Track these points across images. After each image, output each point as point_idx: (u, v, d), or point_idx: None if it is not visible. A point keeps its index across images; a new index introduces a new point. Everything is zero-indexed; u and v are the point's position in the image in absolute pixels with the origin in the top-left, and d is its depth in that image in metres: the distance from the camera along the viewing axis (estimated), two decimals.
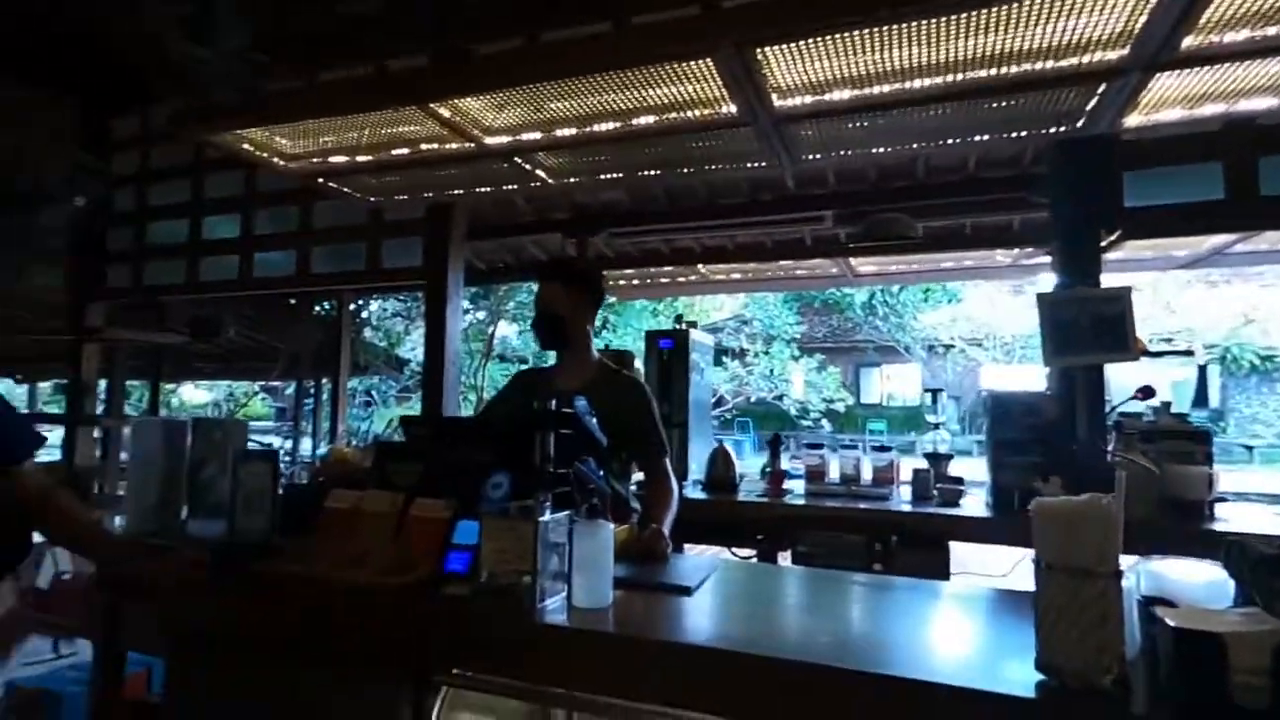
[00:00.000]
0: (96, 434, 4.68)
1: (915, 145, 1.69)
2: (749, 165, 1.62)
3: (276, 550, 1.59)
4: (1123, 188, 2.46)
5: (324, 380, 7.35)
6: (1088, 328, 2.49)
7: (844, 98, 1.40)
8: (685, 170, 1.68)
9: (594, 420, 1.69)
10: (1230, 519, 2.45)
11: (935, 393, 3.33)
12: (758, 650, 1.16)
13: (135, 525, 1.90)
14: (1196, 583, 1.04)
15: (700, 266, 3.55)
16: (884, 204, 3.44)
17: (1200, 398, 15.84)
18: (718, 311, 11.36)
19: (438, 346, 3.42)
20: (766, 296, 9.56)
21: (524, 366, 11.81)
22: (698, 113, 1.39)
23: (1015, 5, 1.21)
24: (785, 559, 2.93)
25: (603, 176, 1.76)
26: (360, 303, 8.91)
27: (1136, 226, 2.45)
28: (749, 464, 3.36)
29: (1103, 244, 2.54)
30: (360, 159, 1.74)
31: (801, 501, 2.91)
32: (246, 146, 1.74)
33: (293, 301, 6.58)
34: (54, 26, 3.63)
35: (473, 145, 1.58)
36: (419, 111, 1.45)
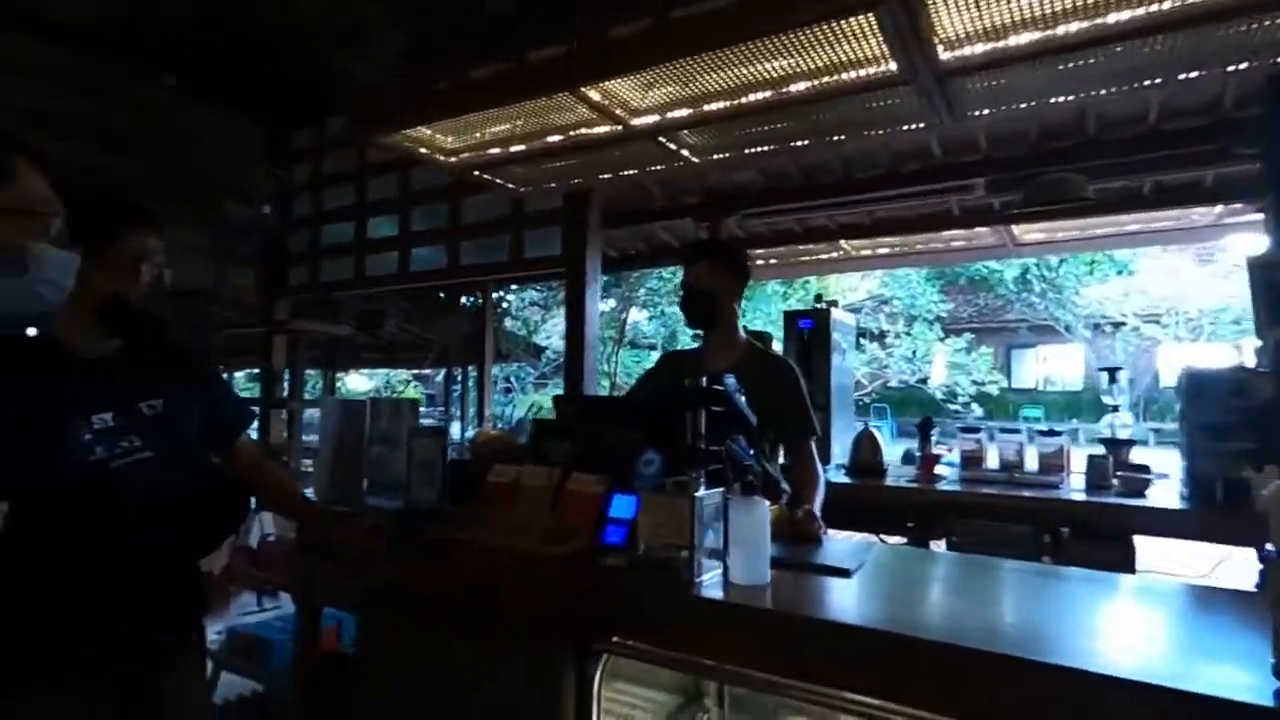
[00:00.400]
0: (283, 415, 5.27)
1: (1098, 92, 1.50)
2: (905, 128, 1.52)
3: (447, 519, 1.72)
4: None
5: (469, 368, 7.84)
6: None
7: (1023, 42, 1.26)
8: (836, 138, 1.60)
9: (743, 399, 1.68)
10: None
11: (1113, 371, 3.00)
12: (920, 633, 1.10)
13: (322, 495, 2.11)
14: None
15: (841, 242, 3.40)
16: (1045, 166, 3.13)
17: None
18: (853, 292, 10.86)
19: (578, 330, 3.53)
20: (909, 274, 8.97)
21: (655, 352, 11.99)
22: (853, 74, 1.32)
23: None
24: (938, 548, 2.78)
25: (749, 150, 1.73)
26: (501, 294, 9.39)
27: None
28: (888, 452, 3.21)
29: None
30: (513, 149, 1.82)
31: (957, 488, 2.74)
32: (410, 145, 1.87)
33: (442, 295, 7.06)
34: (244, 52, 4.09)
35: (620, 127, 1.60)
36: (570, 98, 1.49)
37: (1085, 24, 1.23)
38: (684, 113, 1.53)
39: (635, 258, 5.99)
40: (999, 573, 1.53)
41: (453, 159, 1.96)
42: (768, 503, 1.34)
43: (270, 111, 4.59)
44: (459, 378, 8.39)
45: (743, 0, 1.31)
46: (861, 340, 9.85)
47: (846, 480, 2.94)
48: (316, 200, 4.85)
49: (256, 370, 6.41)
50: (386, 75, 2.08)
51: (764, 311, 10.98)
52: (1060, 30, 1.24)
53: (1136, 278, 13.70)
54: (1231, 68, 1.42)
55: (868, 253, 3.75)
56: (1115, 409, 2.94)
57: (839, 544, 1.60)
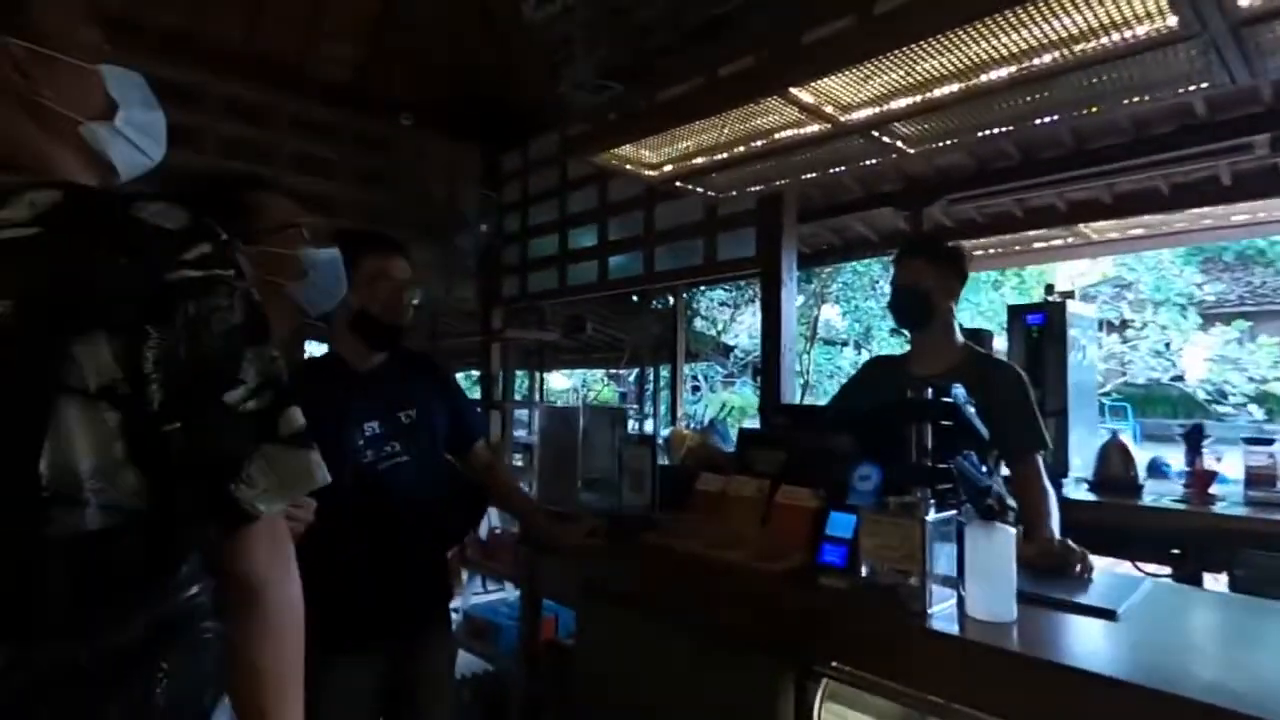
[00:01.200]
0: (498, 414, 5.78)
1: None
2: (1182, 91, 1.27)
3: (657, 524, 1.76)
4: None
5: (660, 367, 8.05)
6: None
7: None
8: (1090, 111, 1.39)
9: (973, 409, 1.53)
10: None
11: None
12: (1199, 694, 0.92)
13: (541, 495, 2.27)
14: None
15: (1080, 226, 2.96)
16: None
17: None
18: (1082, 277, 9.48)
19: (774, 331, 3.46)
20: (1157, 251, 7.56)
21: (849, 349, 11.47)
22: (1117, 36, 1.12)
23: None
24: (1216, 584, 2.34)
25: (982, 134, 1.55)
26: (690, 295, 9.52)
27: None
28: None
29: None
30: (717, 157, 1.82)
31: (1241, 511, 2.28)
32: (616, 163, 1.95)
33: (635, 299, 7.32)
34: (459, 83, 4.54)
35: (829, 125, 1.52)
36: (779, 101, 1.44)
37: None
38: (905, 102, 1.41)
39: (828, 252, 5.77)
40: (1260, 612, 1.25)
41: (654, 172, 2.01)
42: (1013, 530, 1.20)
43: (481, 137, 5.06)
44: (650, 377, 8.66)
45: None
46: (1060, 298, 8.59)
47: (1090, 497, 2.58)
48: (524, 216, 5.25)
49: (475, 373, 7.11)
50: (589, 96, 2.18)
51: (972, 303, 10.01)
52: None
53: None
54: None
55: (1114, 235, 3.22)
56: None
57: (1097, 578, 1.39)
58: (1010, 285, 11.22)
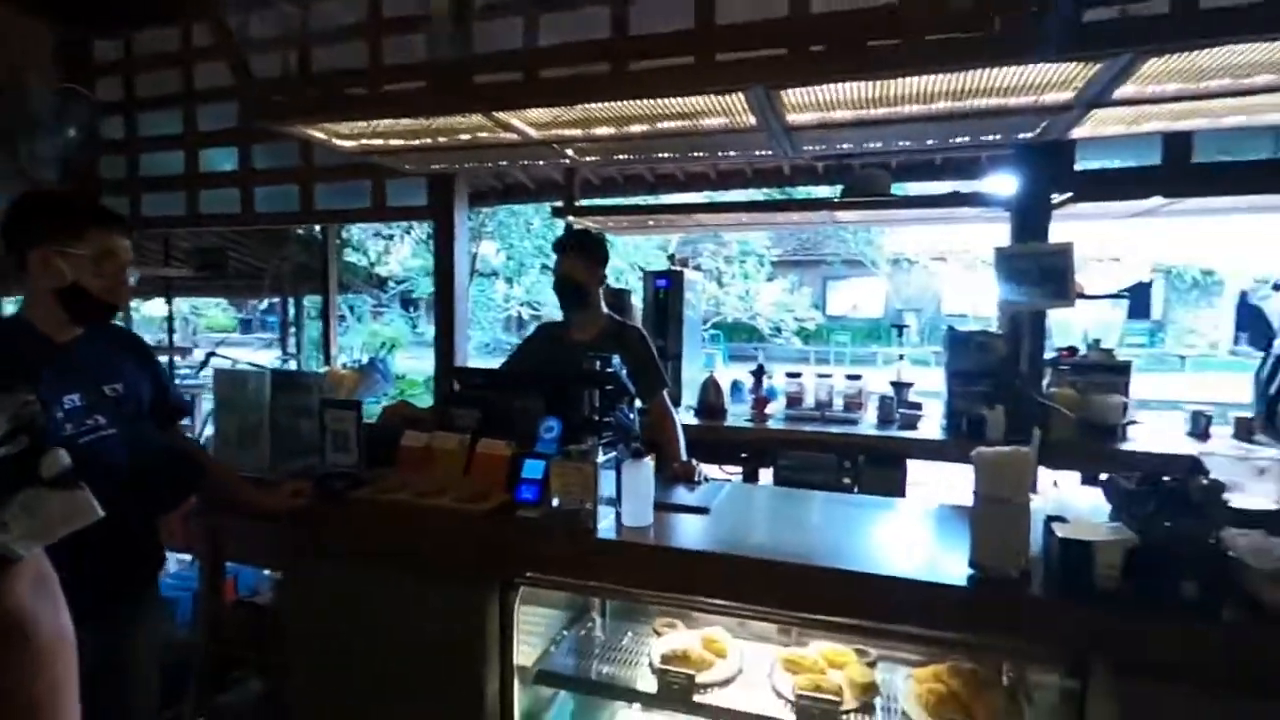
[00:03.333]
0: None
1: (901, 144, 1.96)
2: (756, 153, 1.89)
3: (367, 481, 1.94)
4: (1074, 155, 2.77)
5: (303, 298, 7.48)
6: (1035, 278, 2.86)
7: (845, 116, 1.66)
8: (698, 155, 1.95)
9: (625, 372, 2.03)
10: (1137, 439, 2.94)
11: (901, 329, 3.72)
12: (757, 554, 1.57)
13: (230, 463, 2.20)
14: (1083, 506, 1.45)
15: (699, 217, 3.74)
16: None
17: (1142, 309, 16.90)
18: (691, 234, 11.54)
19: (447, 283, 3.66)
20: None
21: (499, 281, 11.98)
22: (720, 120, 1.65)
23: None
24: (766, 475, 3.38)
25: (622, 157, 2.01)
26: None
27: (1086, 189, 2.78)
28: (720, 374, 3.73)
29: (1055, 202, 2.87)
30: (415, 143, 1.96)
31: (783, 426, 3.32)
32: (308, 136, 1.94)
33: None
34: None
35: (518, 137, 1.80)
36: (484, 119, 1.67)
37: (888, 110, 1.66)
38: (577, 132, 1.78)
39: (489, 194, 6.02)
40: (812, 503, 2.05)
41: (349, 143, 2.04)
42: (652, 461, 1.72)
43: (58, 13, 4.02)
44: (286, 307, 7.96)
45: (654, 70, 1.58)
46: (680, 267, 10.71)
47: (695, 421, 3.44)
48: (130, 123, 4.38)
49: None
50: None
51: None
52: (872, 112, 1.66)
53: (927, 226, 15.68)
54: (984, 138, 1.92)
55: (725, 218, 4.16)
56: (901, 357, 3.67)
57: (701, 488, 2.03)
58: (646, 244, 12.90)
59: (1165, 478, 1.33)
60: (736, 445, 3.39)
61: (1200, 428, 3.11)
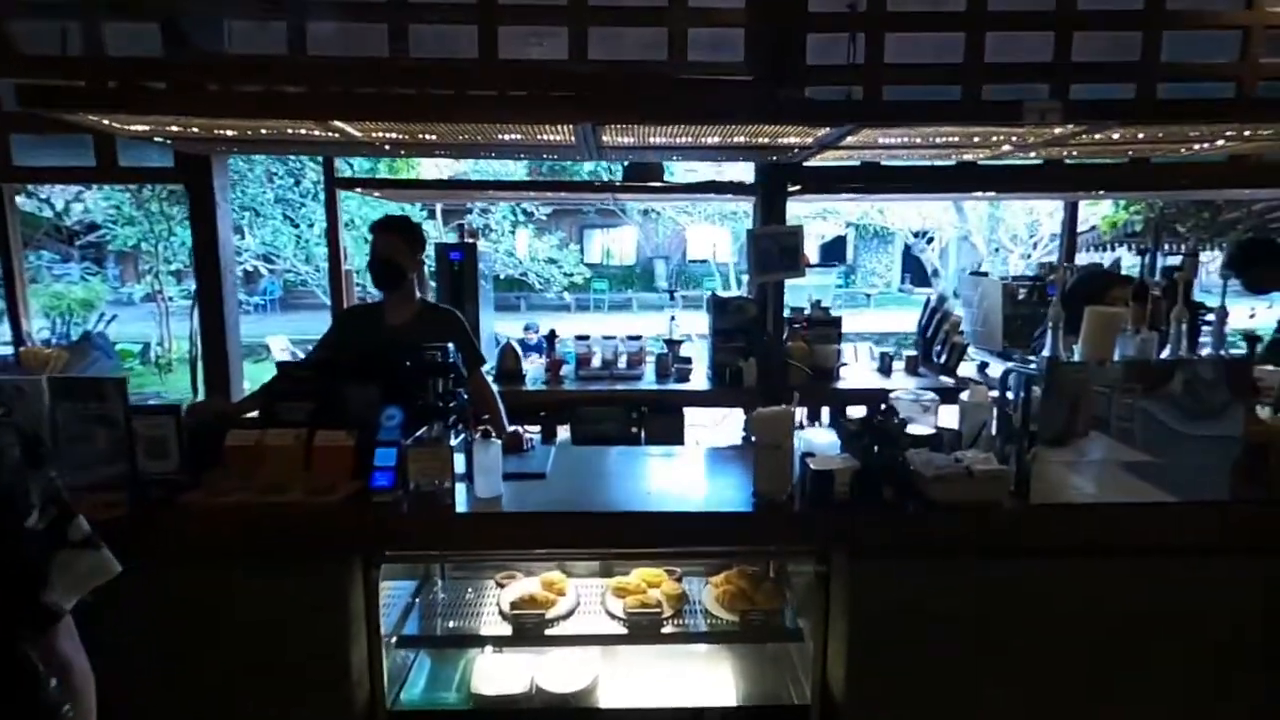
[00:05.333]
0: None
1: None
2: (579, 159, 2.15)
3: (194, 485, 1.90)
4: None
5: None
6: (776, 254, 3.52)
7: (655, 141, 2.01)
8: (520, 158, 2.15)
9: (460, 356, 2.20)
10: (847, 378, 3.82)
11: (671, 292, 4.25)
12: (591, 508, 1.91)
13: None
14: (824, 442, 2.02)
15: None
16: None
17: (839, 256, 20.37)
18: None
19: (210, 255, 3.36)
20: (506, 164, 9.78)
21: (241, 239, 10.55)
22: (549, 138, 1.89)
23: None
24: (565, 431, 3.74)
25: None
26: None
27: (811, 183, 3.49)
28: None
29: (790, 191, 3.54)
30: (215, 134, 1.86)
31: (575, 387, 3.69)
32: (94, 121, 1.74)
33: None
34: None
35: (337, 135, 1.83)
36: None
37: (689, 139, 2.04)
38: (404, 137, 1.87)
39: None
40: (625, 459, 2.40)
41: (133, 127, 1.87)
42: (498, 443, 1.96)
43: None
44: None
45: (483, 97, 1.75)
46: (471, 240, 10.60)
47: (496, 387, 3.65)
48: None
49: None
50: None
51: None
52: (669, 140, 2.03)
53: (673, 179, 16.97)
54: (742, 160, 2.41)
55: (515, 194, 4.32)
56: (673, 318, 4.23)
57: (532, 454, 2.30)
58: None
59: (875, 419, 1.92)
60: (536, 405, 3.69)
61: (885, 364, 4.10)
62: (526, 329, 6.29)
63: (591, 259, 21.53)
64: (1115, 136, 2.55)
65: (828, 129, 2.07)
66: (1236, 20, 2.98)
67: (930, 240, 13.26)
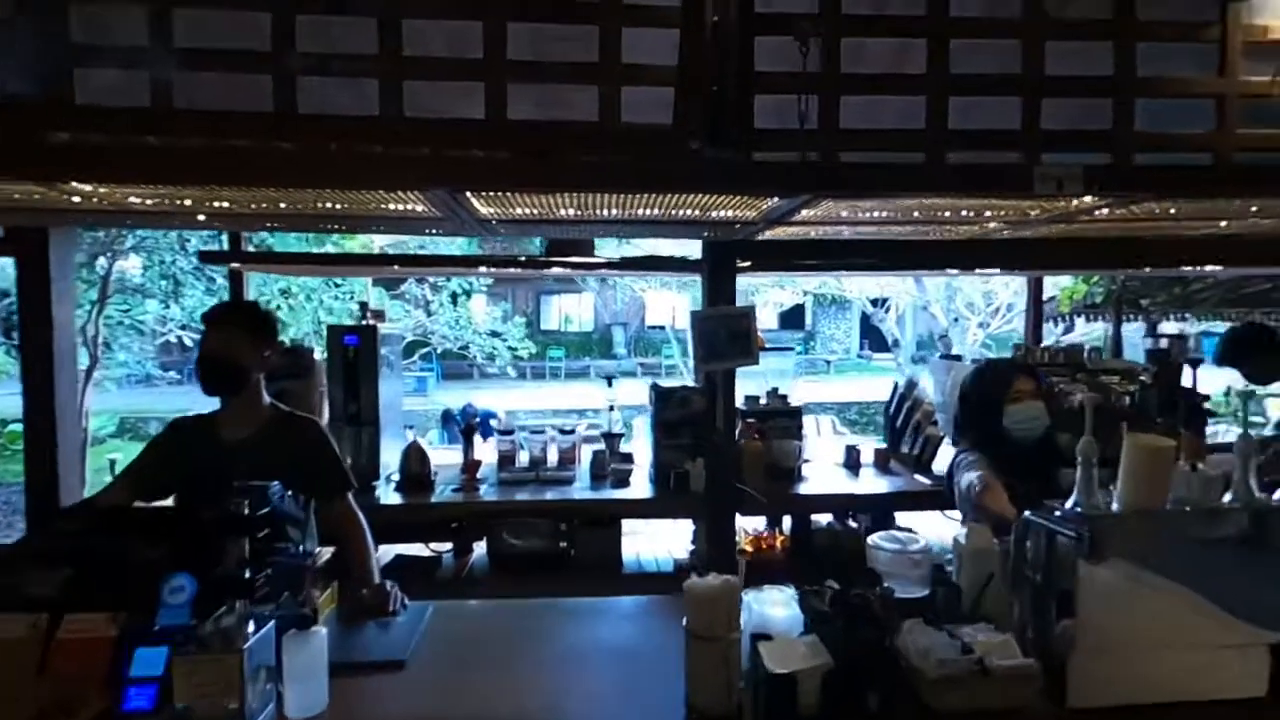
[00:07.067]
0: None
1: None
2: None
3: None
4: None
5: None
6: (725, 339, 3.06)
7: (537, 215, 1.55)
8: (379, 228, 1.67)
9: (290, 496, 1.63)
10: (810, 478, 3.33)
11: (610, 378, 3.76)
12: None
13: None
14: (781, 615, 1.49)
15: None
16: None
17: (799, 324, 20.44)
18: (394, 249, 10.73)
19: (43, 349, 2.75)
20: (450, 240, 9.32)
21: (151, 300, 9.78)
22: (410, 208, 1.41)
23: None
24: (481, 547, 3.15)
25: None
26: None
27: (761, 260, 3.08)
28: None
29: (739, 268, 3.11)
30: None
31: (494, 497, 3.11)
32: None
33: None
34: None
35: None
36: None
37: (581, 211, 1.59)
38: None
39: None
40: (524, 622, 1.79)
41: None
42: (324, 631, 1.38)
43: None
44: None
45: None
46: (408, 308, 9.95)
47: (398, 499, 3.06)
48: None
49: None
50: None
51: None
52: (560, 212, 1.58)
53: (632, 247, 16.84)
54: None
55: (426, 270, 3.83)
56: (612, 408, 3.72)
57: (398, 621, 1.72)
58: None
59: (851, 593, 1.41)
60: (448, 519, 3.10)
61: (852, 460, 3.62)
62: (464, 411, 5.72)
63: (549, 325, 21.14)
64: (1140, 209, 2.15)
65: (776, 199, 1.64)
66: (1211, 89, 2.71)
67: (888, 309, 13.16)
